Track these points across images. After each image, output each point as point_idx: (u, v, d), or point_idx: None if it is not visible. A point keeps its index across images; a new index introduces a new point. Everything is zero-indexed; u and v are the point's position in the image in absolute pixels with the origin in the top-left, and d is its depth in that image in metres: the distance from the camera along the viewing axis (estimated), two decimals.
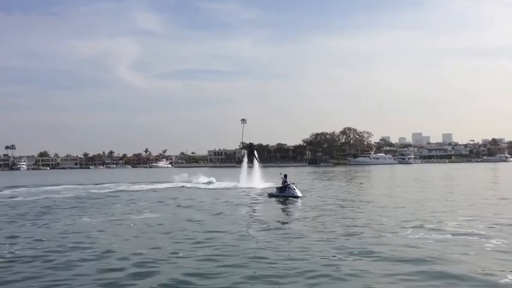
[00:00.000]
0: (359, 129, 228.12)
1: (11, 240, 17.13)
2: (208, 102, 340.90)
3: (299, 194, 32.18)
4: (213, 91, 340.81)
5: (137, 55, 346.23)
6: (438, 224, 18.66)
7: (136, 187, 48.30)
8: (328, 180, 62.09)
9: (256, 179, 48.58)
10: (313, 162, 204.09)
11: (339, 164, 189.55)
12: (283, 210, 26.63)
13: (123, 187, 48.47)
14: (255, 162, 52.46)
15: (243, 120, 53.22)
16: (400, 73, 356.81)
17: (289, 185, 32.91)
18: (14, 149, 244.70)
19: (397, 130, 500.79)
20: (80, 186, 50.36)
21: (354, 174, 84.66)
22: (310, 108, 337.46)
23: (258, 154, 54.67)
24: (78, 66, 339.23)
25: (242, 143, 52.40)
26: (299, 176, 67.26)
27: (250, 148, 52.97)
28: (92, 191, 43.63)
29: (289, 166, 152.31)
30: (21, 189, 48.64)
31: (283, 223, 20.64)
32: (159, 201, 31.81)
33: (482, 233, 16.43)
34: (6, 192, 44.25)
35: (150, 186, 48.90)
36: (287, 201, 30.30)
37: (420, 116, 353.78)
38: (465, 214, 21.70)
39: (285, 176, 33.94)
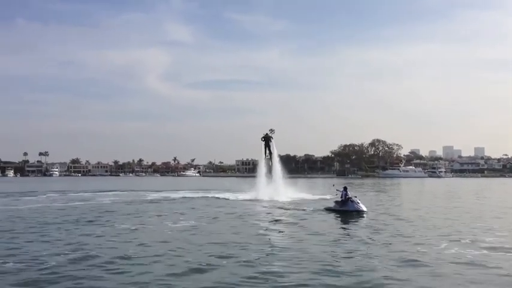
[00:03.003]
0: (388, 141, 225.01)
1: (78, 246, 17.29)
2: (236, 112, 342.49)
3: (364, 208, 29.57)
4: (241, 101, 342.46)
5: (167, 65, 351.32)
6: None
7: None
8: (364, 192, 60.99)
9: (281, 189, 43.92)
10: (341, 173, 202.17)
11: (367, 176, 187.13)
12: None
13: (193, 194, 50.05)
14: (274, 156, 47.11)
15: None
16: (431, 85, 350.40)
17: (351, 198, 30.27)
18: (47, 155, 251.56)
19: (427, 143, 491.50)
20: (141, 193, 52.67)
21: (389, 187, 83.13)
22: (338, 119, 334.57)
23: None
24: (109, 76, 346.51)
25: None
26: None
27: (265, 138, 49.79)
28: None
29: (317, 177, 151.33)
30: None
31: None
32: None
33: None
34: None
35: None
36: (352, 217, 27.42)
37: (451, 128, 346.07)
38: None
39: (345, 188, 31.21)
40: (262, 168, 47.46)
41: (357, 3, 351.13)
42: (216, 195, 48.08)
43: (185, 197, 46.06)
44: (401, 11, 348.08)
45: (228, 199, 43.79)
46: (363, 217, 27.64)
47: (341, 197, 30.81)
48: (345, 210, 29.45)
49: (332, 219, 27.35)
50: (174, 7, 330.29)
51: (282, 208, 34.08)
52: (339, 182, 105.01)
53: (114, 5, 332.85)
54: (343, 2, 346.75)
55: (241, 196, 45.48)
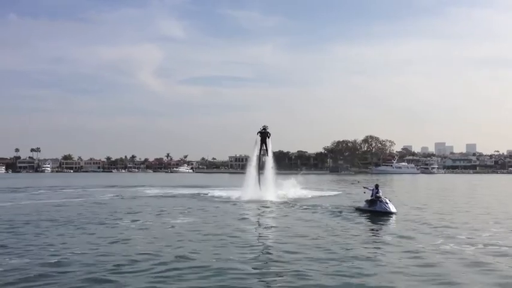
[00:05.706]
0: (381, 137, 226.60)
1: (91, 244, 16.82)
2: (229, 108, 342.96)
3: (393, 209, 26.51)
4: (234, 97, 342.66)
5: (159, 61, 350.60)
6: None
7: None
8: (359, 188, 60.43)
9: (272, 188, 39.66)
10: (334, 170, 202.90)
11: (360, 172, 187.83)
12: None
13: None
14: (269, 153, 42.85)
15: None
16: (423, 82, 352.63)
17: (380, 197, 27.34)
18: (39, 151, 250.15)
19: (420, 139, 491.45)
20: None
21: (387, 183, 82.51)
22: (331, 115, 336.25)
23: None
24: (102, 71, 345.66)
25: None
26: (330, 184, 66.47)
27: (263, 133, 42.46)
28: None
29: (310, 173, 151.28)
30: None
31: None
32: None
33: None
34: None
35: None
36: (378, 219, 24.16)
37: (443, 125, 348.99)
38: None
39: (376, 186, 28.34)
40: (254, 165, 42.91)
41: None
42: (205, 192, 46.41)
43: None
44: (393, 7, 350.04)
45: (221, 197, 41.10)
46: (391, 218, 24.78)
47: (371, 196, 28.05)
48: (373, 211, 26.78)
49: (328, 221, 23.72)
50: (167, 2, 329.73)
51: (279, 207, 31.44)
52: (332, 179, 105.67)
53: (106, 1, 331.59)
54: None
55: (232, 194, 41.86)
